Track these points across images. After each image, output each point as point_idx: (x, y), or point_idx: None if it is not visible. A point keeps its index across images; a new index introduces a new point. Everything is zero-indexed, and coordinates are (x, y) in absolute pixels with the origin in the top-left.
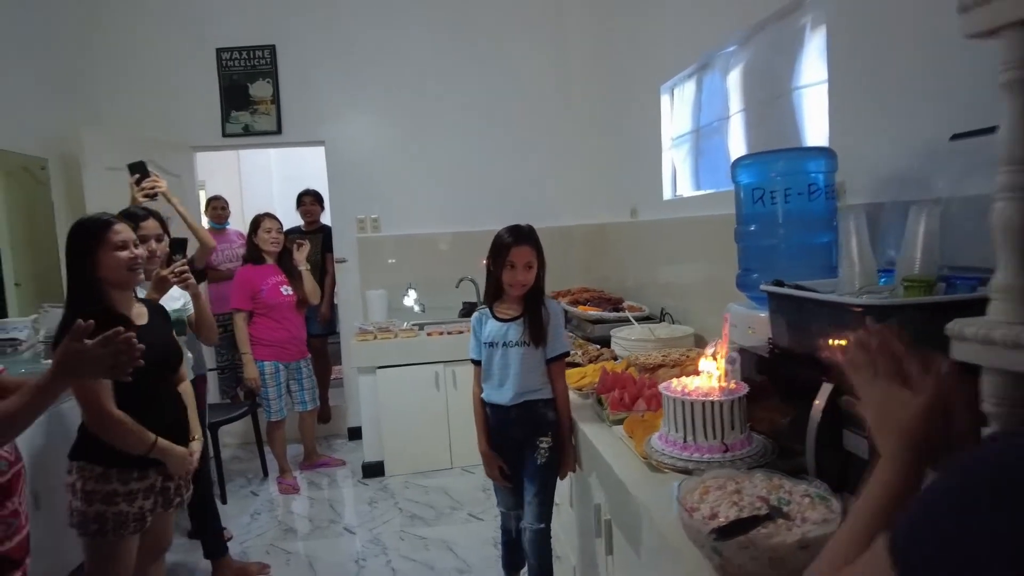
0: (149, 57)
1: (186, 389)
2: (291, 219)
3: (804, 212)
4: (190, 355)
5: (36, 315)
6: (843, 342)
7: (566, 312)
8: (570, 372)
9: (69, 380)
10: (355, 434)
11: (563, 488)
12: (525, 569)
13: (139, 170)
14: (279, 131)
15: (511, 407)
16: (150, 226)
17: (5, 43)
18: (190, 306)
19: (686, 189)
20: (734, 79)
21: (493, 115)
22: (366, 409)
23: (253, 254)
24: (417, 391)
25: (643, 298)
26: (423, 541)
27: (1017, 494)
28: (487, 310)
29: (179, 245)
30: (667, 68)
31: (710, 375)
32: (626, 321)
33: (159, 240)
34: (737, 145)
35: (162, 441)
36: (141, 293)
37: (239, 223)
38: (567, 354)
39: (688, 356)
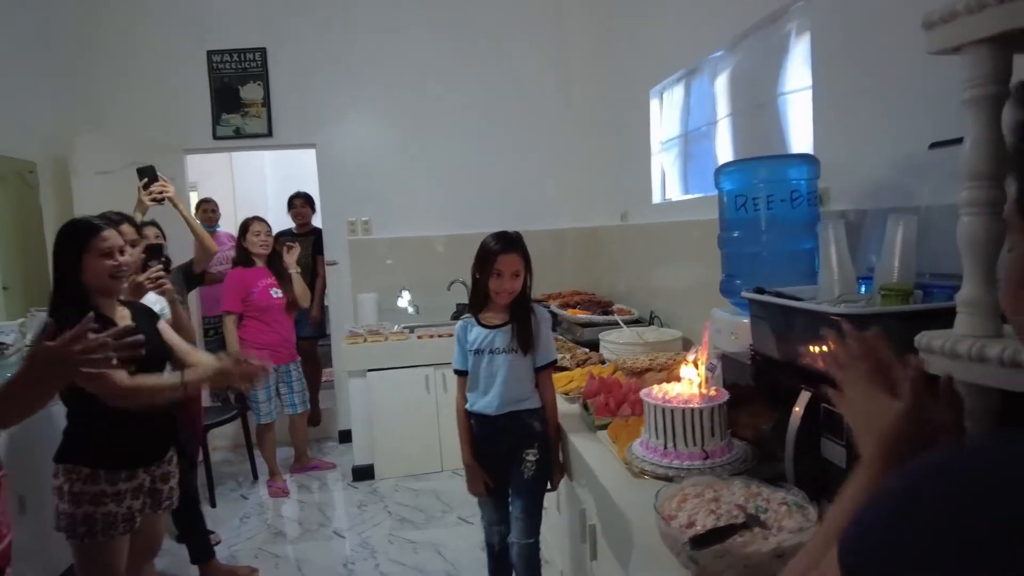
0: (139, 60)
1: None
2: (284, 221)
3: (787, 219)
4: None
5: (24, 319)
6: (829, 347)
7: (555, 315)
8: (557, 376)
9: (38, 380)
10: (346, 437)
11: (551, 492)
12: None
13: (148, 174)
14: (270, 134)
15: (497, 417)
16: (125, 231)
17: None
18: (167, 311)
19: (675, 193)
20: (722, 84)
21: (487, 118)
22: (356, 412)
23: (243, 257)
24: (407, 394)
25: (634, 301)
26: (412, 545)
27: (957, 493)
28: (472, 318)
29: (155, 251)
30: (657, 72)
31: (691, 382)
32: (615, 324)
33: (133, 246)
34: (724, 150)
35: (187, 373)
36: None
37: (232, 226)
38: (555, 362)
39: (675, 360)
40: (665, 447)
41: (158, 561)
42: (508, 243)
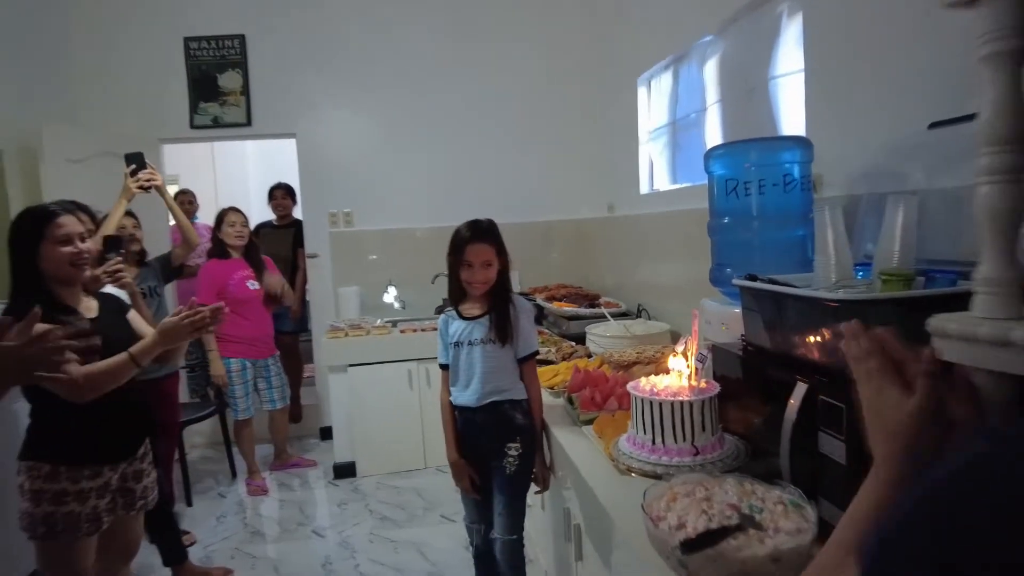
0: (113, 46)
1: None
2: (267, 213)
3: (779, 204)
4: None
5: None
6: (835, 340)
7: (542, 308)
8: (542, 370)
9: None
10: (327, 434)
11: (535, 489)
12: None
13: (136, 161)
14: (249, 123)
15: (477, 409)
16: (82, 220)
17: None
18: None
19: (663, 183)
20: (711, 70)
21: (472, 108)
22: (337, 408)
23: (218, 248)
24: (390, 390)
25: (621, 294)
26: (393, 544)
27: (993, 495)
28: (453, 311)
29: (113, 243)
30: (645, 59)
31: (680, 374)
32: (601, 317)
33: (89, 235)
34: (714, 137)
35: (135, 348)
36: None
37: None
38: (537, 353)
39: (663, 353)
40: (653, 442)
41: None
42: (478, 232)
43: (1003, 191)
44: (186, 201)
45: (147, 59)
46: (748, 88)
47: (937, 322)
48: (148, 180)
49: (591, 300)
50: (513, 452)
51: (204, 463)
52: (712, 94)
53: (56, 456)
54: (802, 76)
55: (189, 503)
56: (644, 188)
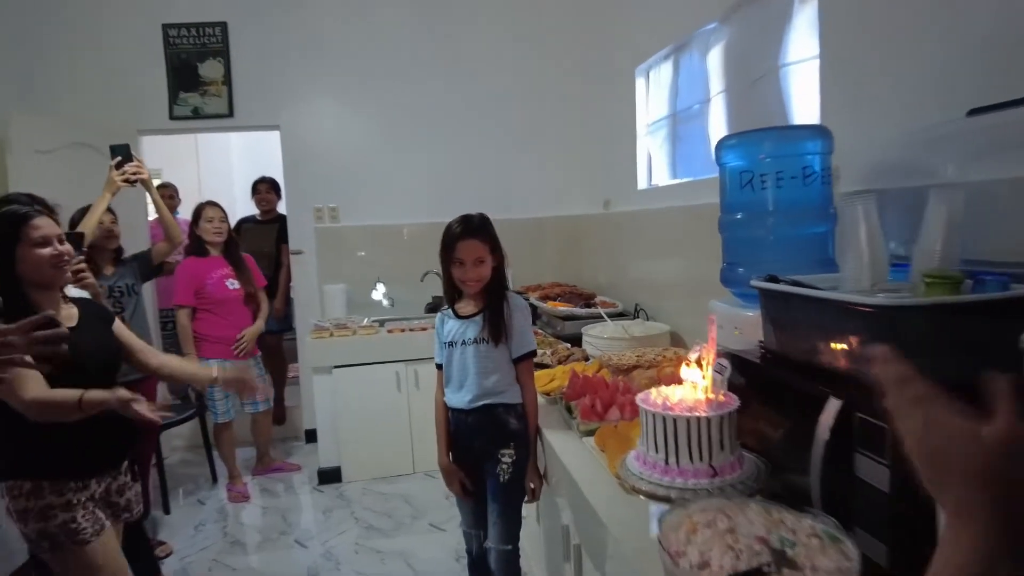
0: (87, 32)
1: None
2: (251, 207)
3: (798, 199)
4: None
5: None
6: (867, 359)
7: (535, 308)
8: (538, 375)
9: None
10: (312, 436)
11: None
12: None
13: (121, 153)
14: (231, 114)
15: (469, 412)
16: None
17: None
18: None
19: (662, 178)
20: (715, 59)
21: (463, 101)
22: (321, 411)
23: (195, 246)
24: (377, 392)
25: (617, 294)
26: (379, 555)
27: None
28: (449, 309)
29: (75, 241)
30: (643, 49)
31: (695, 385)
32: (598, 318)
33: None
34: (718, 129)
35: (89, 394)
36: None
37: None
38: (534, 353)
39: (664, 356)
40: (666, 462)
41: None
42: (469, 228)
43: None
44: (167, 195)
45: (123, 46)
46: (755, 77)
47: None
48: (135, 174)
49: (586, 299)
50: (507, 459)
51: (184, 467)
52: (716, 84)
53: (37, 471)
54: (816, 63)
55: (166, 510)
56: (642, 183)
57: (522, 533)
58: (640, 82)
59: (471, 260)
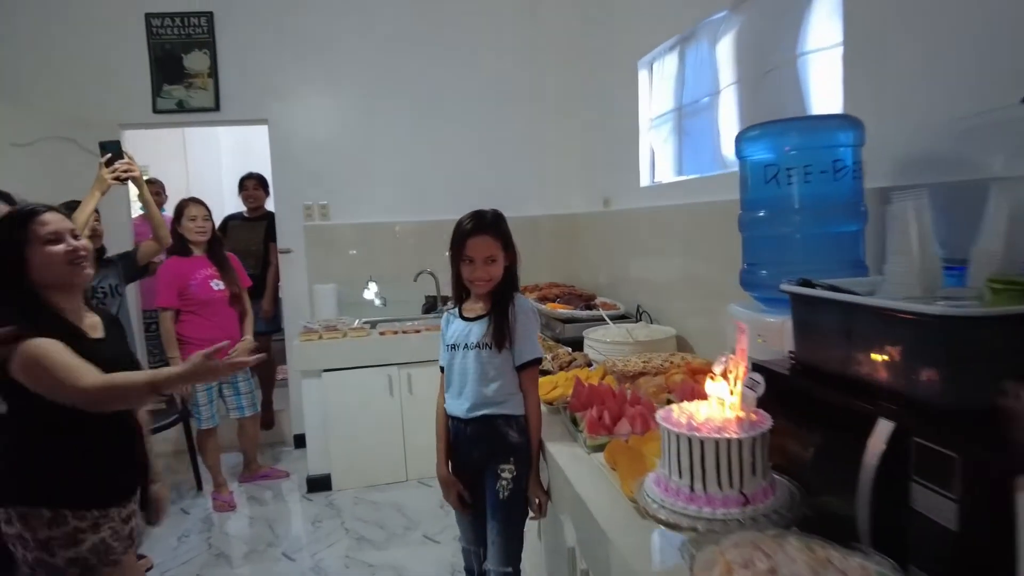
0: (67, 20)
1: (143, 418)
2: (240, 204)
3: (827, 195)
4: None
5: None
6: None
7: None
8: (539, 382)
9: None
10: (301, 442)
11: (536, 519)
12: None
13: (112, 150)
14: (217, 108)
15: (468, 421)
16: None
17: None
18: None
19: (666, 175)
20: (725, 49)
21: (458, 95)
22: (311, 417)
23: (178, 245)
24: (368, 397)
25: (617, 295)
26: (370, 569)
27: None
28: (455, 309)
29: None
30: (646, 40)
31: (722, 402)
32: (600, 320)
33: None
34: (728, 123)
35: (161, 372)
36: None
37: None
38: (539, 361)
39: (672, 362)
40: (691, 488)
41: None
42: (481, 224)
43: None
44: (154, 191)
45: (104, 36)
46: (770, 68)
47: None
48: (126, 171)
49: (587, 301)
50: (507, 475)
51: (167, 474)
52: (726, 76)
53: (53, 498)
54: (839, 51)
55: (148, 521)
56: (644, 180)
57: (523, 552)
58: (643, 75)
59: (482, 258)
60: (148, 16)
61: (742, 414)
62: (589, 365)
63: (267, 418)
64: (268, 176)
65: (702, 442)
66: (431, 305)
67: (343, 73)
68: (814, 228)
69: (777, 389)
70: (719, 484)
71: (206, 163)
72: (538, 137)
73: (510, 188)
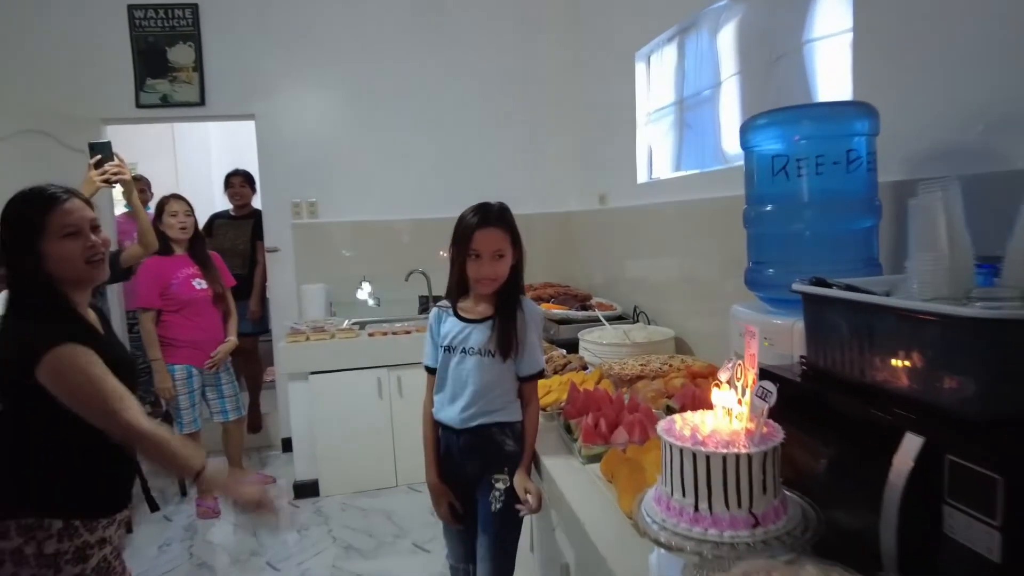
0: (45, 11)
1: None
2: (227, 202)
3: (840, 188)
4: None
5: None
6: None
7: None
8: None
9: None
10: (289, 446)
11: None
12: None
13: (102, 151)
14: (202, 102)
15: (461, 431)
16: None
17: None
18: None
19: (664, 171)
20: (726, 38)
21: (449, 90)
22: (297, 421)
23: (159, 243)
24: (357, 400)
25: (613, 295)
26: None
27: None
28: (448, 306)
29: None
30: (644, 31)
31: (729, 412)
32: (596, 321)
33: None
34: (731, 115)
35: (206, 468)
36: None
37: None
38: (543, 373)
39: (671, 365)
40: (696, 508)
41: None
42: (489, 216)
43: None
44: (139, 188)
45: (85, 28)
46: (775, 57)
47: None
48: (115, 174)
49: (582, 301)
50: (500, 485)
51: (152, 479)
52: (728, 66)
53: (66, 507)
54: (848, 37)
55: (128, 528)
56: (642, 177)
57: (515, 570)
58: (640, 67)
59: (490, 253)
60: (131, 8)
61: (752, 426)
62: (585, 368)
63: (254, 421)
64: (255, 173)
65: (708, 457)
66: (426, 306)
67: (332, 67)
68: (825, 224)
69: (787, 396)
70: (726, 503)
71: (196, 160)
72: (532, 133)
73: (503, 185)
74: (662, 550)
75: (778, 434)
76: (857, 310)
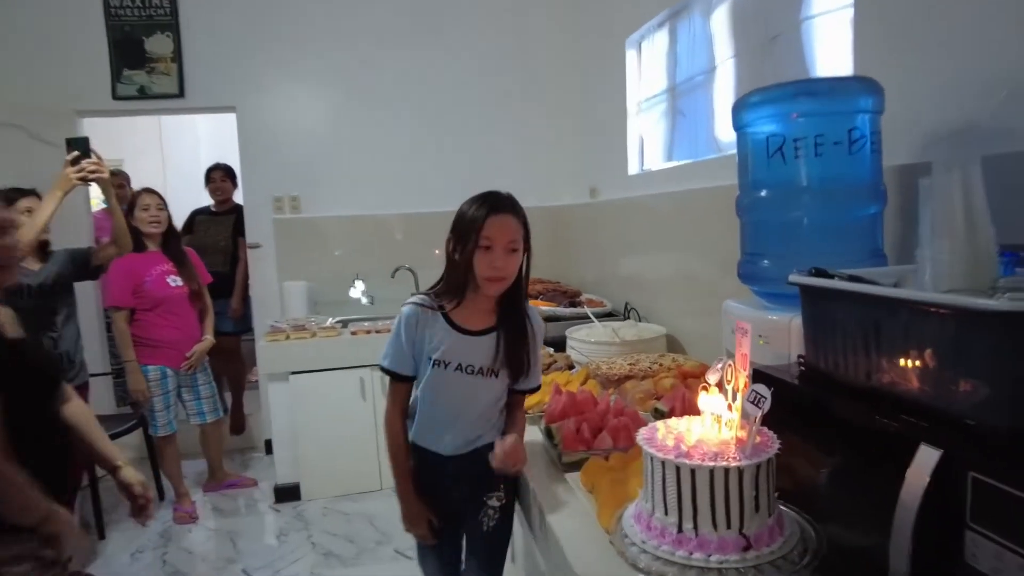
0: (17, 1)
1: (80, 410)
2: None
3: (842, 171)
4: None
5: None
6: None
7: None
8: None
9: None
10: (272, 447)
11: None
12: None
13: (80, 147)
14: (181, 94)
15: (451, 457)
16: None
17: None
18: None
19: (656, 161)
20: (720, 20)
21: (437, 81)
22: (278, 422)
23: (132, 238)
24: (339, 400)
25: (605, 291)
26: None
27: None
28: (435, 308)
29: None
30: (634, 17)
31: (718, 419)
32: (584, 318)
33: None
34: (725, 101)
35: (60, 512)
36: None
37: None
38: (539, 388)
39: (661, 364)
40: (679, 528)
41: None
42: (502, 202)
43: None
44: (118, 184)
45: (58, 17)
46: (771, 36)
47: None
48: (93, 172)
49: (571, 298)
50: (494, 503)
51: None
52: (722, 50)
53: None
54: (849, 12)
55: (101, 535)
56: (633, 168)
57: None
58: (631, 55)
59: (504, 244)
60: None
61: (743, 435)
62: (571, 368)
63: (237, 423)
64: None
65: (693, 471)
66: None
67: (317, 57)
68: (825, 211)
69: (783, 401)
70: (714, 523)
71: (183, 155)
72: (522, 125)
73: (492, 178)
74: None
75: (773, 444)
76: (863, 304)
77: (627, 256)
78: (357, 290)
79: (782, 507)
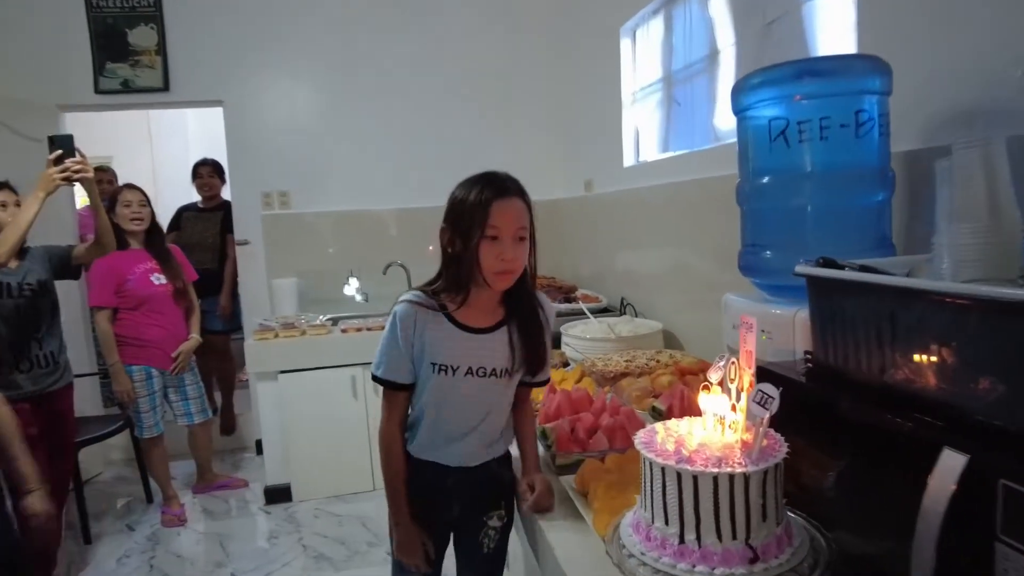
0: None
1: (5, 421)
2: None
3: (848, 156)
4: None
5: None
6: None
7: None
8: None
9: None
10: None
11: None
12: None
13: (63, 146)
14: (166, 88)
15: (453, 471)
16: None
17: None
18: None
19: (652, 152)
20: (717, 5)
21: (428, 74)
22: (268, 423)
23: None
24: (330, 400)
25: (601, 287)
26: None
27: None
28: (434, 307)
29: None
30: (627, 5)
31: (721, 420)
32: (580, 314)
33: None
34: (724, 88)
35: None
36: None
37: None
38: (548, 381)
39: (658, 361)
40: (681, 539)
41: None
42: (506, 185)
43: None
44: (105, 180)
45: (39, 8)
46: (770, 19)
47: None
48: (77, 171)
49: (566, 293)
50: (495, 523)
51: (118, 484)
52: (720, 36)
53: None
54: None
55: (87, 539)
56: (628, 160)
57: None
58: (625, 44)
59: (512, 232)
60: None
61: (748, 438)
62: (566, 365)
63: (228, 423)
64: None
65: (696, 478)
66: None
67: (305, 50)
68: (831, 198)
69: (790, 400)
70: (718, 534)
71: (173, 151)
72: (513, 117)
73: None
74: None
75: (781, 448)
76: (877, 295)
77: (623, 250)
78: (352, 287)
79: (790, 513)
